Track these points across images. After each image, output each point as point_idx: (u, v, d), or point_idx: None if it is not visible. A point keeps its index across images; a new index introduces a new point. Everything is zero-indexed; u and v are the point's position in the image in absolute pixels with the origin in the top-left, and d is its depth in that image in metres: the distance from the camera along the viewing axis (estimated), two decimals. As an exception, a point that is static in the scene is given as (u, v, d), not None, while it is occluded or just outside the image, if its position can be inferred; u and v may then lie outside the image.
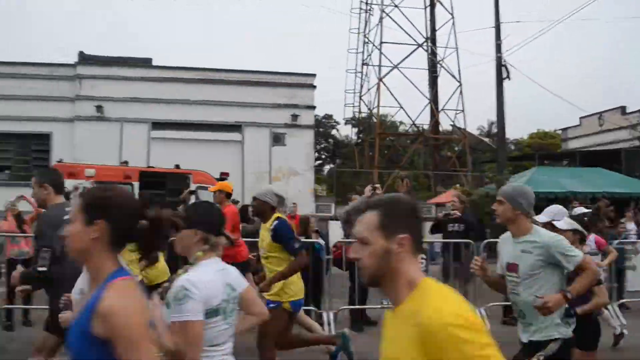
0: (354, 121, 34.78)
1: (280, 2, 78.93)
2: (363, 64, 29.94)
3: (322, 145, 40.83)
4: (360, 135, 34.31)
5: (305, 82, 21.00)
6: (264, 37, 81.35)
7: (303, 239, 8.14)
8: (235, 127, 19.89)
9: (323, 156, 41.60)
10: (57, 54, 76.42)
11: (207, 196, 13.46)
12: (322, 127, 39.17)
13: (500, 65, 18.82)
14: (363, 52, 29.74)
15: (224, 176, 15.52)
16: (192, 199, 12.64)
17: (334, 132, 41.79)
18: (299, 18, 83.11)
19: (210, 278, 2.32)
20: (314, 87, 21.16)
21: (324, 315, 7.60)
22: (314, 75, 21.27)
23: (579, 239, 4.32)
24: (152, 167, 16.21)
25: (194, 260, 2.40)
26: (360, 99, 30.89)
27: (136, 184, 14.38)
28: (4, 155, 19.90)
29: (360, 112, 31.95)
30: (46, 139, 19.50)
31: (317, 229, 8.65)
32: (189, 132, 19.43)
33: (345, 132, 39.70)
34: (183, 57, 70.90)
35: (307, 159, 20.64)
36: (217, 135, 19.61)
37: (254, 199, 5.08)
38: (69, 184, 11.20)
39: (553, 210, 4.71)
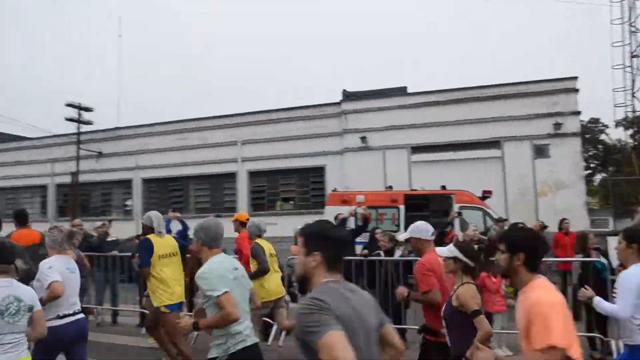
0: (625, 122, 31.00)
1: (530, 6, 75.00)
2: (632, 57, 26.65)
3: (591, 153, 37.17)
4: (637, 137, 30.37)
5: (566, 86, 19.52)
6: (513, 45, 78.06)
7: (581, 257, 7.71)
8: (494, 143, 19.47)
9: (592, 165, 37.78)
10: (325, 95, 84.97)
11: (471, 216, 13.55)
12: (589, 132, 35.72)
13: None
14: (630, 44, 26.51)
15: (486, 194, 15.37)
16: (457, 221, 12.72)
17: (602, 136, 37.73)
18: (548, 18, 77.70)
19: None
20: (577, 90, 19.55)
21: (613, 344, 6.85)
22: (575, 78, 19.67)
23: (462, 268, 3.95)
24: (415, 189, 16.87)
25: None
26: (633, 96, 27.42)
27: (402, 207, 15.15)
28: (288, 188, 22.88)
29: (634, 110, 28.38)
30: (321, 171, 21.86)
31: (598, 246, 7.97)
32: (447, 152, 19.72)
33: (617, 135, 35.56)
34: (435, 81, 72.25)
35: (575, 169, 19.06)
36: (475, 154, 19.45)
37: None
38: (343, 210, 12.47)
39: (412, 228, 4.67)
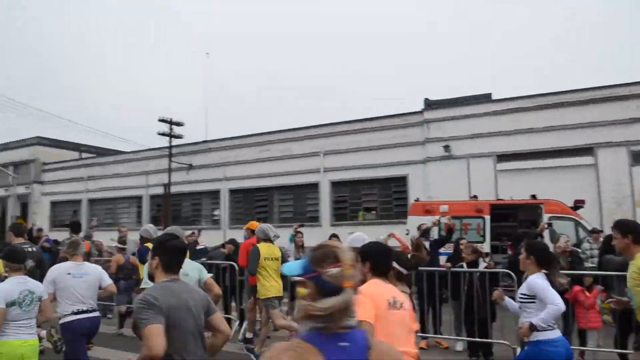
0: None
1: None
2: None
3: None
4: None
5: (666, 87, 18.21)
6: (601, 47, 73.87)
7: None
8: (587, 150, 18.46)
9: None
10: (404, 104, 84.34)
11: (563, 227, 12.95)
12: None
13: None
14: None
15: (578, 204, 14.66)
16: (547, 232, 12.19)
17: None
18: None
19: (8, 286, 4.59)
20: (679, 90, 18.14)
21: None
22: (678, 79, 18.25)
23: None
24: (502, 199, 16.35)
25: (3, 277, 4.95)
26: None
27: (487, 217, 14.74)
28: (370, 198, 22.84)
29: None
30: (403, 181, 21.67)
31: None
32: (535, 161, 18.90)
33: None
34: (522, 86, 69.82)
35: (679, 176, 17.69)
36: (567, 161, 18.50)
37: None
38: (426, 220, 12.32)
39: (350, 239, 5.10)
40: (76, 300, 5.30)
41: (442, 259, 10.14)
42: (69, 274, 5.41)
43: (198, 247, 11.27)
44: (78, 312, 5.27)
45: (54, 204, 34.60)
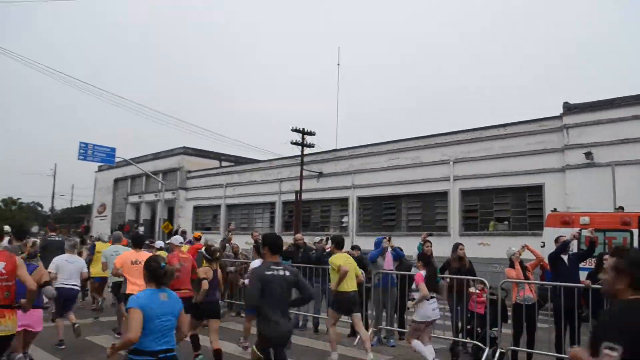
0: None
1: None
2: None
3: None
4: None
5: None
6: None
7: None
8: None
9: None
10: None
11: None
12: None
13: None
14: None
15: None
16: None
17: None
18: None
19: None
20: None
21: None
22: None
23: (204, 258, 7.73)
24: (654, 211, 14.88)
25: None
26: None
27: (635, 231, 13.51)
28: (503, 208, 21.87)
29: None
30: (539, 190, 20.50)
31: None
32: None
33: None
34: None
35: None
36: None
37: None
38: (564, 232, 11.57)
39: (171, 238, 9.48)
40: (62, 278, 8.60)
41: (583, 275, 9.48)
42: (66, 260, 8.83)
43: (326, 254, 11.57)
44: (66, 284, 8.65)
45: (196, 209, 37.39)
